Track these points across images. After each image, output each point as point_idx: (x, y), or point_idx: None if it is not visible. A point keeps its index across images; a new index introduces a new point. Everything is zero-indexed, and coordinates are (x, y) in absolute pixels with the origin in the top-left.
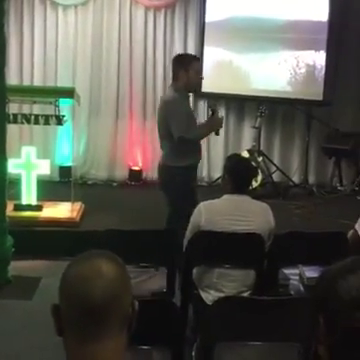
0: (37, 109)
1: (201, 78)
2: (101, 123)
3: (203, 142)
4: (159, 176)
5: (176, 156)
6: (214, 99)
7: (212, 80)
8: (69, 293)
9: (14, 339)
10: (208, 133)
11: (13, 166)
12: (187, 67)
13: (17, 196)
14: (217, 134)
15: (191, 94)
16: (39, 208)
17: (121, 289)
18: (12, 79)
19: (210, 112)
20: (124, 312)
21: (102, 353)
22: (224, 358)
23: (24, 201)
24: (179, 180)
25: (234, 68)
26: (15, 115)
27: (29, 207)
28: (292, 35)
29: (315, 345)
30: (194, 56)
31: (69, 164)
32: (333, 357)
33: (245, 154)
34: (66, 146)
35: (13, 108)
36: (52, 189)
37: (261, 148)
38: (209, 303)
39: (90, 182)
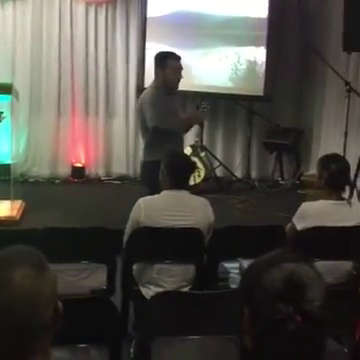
0: None
1: (179, 76)
2: (42, 119)
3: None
4: (140, 172)
5: (153, 150)
6: (201, 97)
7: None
8: None
9: None
10: (186, 124)
11: None
12: (163, 65)
13: None
14: (201, 126)
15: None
16: None
17: (39, 296)
18: None
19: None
20: (47, 318)
21: None
22: (163, 353)
23: None
24: (156, 175)
25: None
26: None
27: None
28: (233, 31)
29: (241, 335)
30: (172, 54)
31: (8, 162)
32: (257, 347)
33: (188, 149)
34: (5, 143)
35: None
36: None
37: (204, 143)
38: (149, 299)
39: (32, 180)
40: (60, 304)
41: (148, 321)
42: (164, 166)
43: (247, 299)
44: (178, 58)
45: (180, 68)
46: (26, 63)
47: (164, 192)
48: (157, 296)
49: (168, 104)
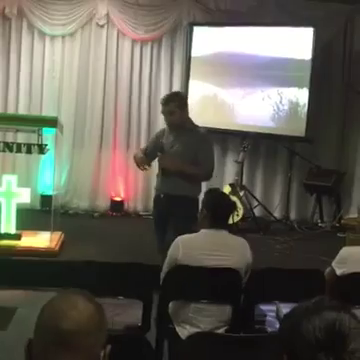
0: (21, 137)
1: (169, 120)
2: (84, 153)
3: None
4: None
5: None
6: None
7: (197, 114)
8: (43, 323)
9: None
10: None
11: None
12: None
13: None
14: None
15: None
16: (18, 237)
17: (93, 327)
18: None
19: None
20: (93, 351)
21: None
22: None
23: (3, 230)
24: None
25: (218, 102)
26: None
27: (8, 236)
28: (276, 72)
29: None
30: (162, 99)
31: (50, 193)
32: None
33: (227, 188)
34: (48, 175)
35: None
36: (33, 218)
37: (243, 182)
38: (184, 338)
39: (71, 212)
40: (109, 347)
41: None
42: (204, 204)
43: (286, 346)
44: (164, 103)
45: (165, 113)
46: (72, 97)
47: (203, 231)
48: (193, 337)
49: (157, 140)
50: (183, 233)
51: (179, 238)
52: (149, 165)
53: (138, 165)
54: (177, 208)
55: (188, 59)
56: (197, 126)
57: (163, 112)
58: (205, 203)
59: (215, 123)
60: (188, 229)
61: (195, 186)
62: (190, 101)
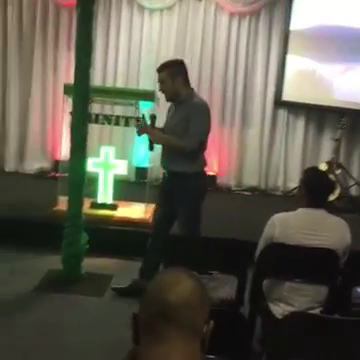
0: (118, 110)
1: (160, 89)
2: None
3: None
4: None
5: None
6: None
7: (293, 89)
8: (148, 296)
9: (81, 334)
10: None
11: (92, 165)
12: None
13: (94, 194)
14: (151, 149)
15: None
16: (114, 207)
17: (196, 302)
18: (96, 80)
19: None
20: (197, 325)
21: (170, 354)
22: None
23: (100, 200)
24: None
25: (316, 78)
26: (97, 115)
27: (105, 206)
28: None
29: None
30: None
31: (145, 165)
32: None
33: (323, 166)
34: (143, 148)
35: (95, 108)
36: (127, 189)
37: (340, 161)
38: (278, 316)
39: None
40: (212, 323)
41: (278, 341)
42: (302, 183)
43: None
44: (157, 71)
45: (158, 82)
46: None
47: (301, 210)
48: (290, 316)
49: (168, 113)
50: (186, 215)
51: (275, 216)
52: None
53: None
54: (177, 186)
55: (286, 33)
56: (194, 97)
57: (157, 80)
58: (304, 181)
59: (312, 99)
60: (190, 209)
61: (193, 161)
62: (287, 76)
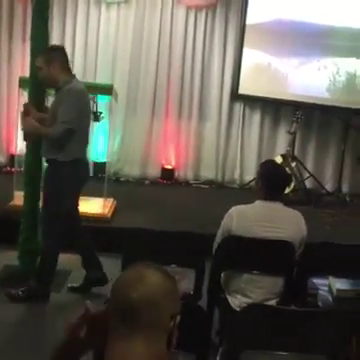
0: None
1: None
2: (137, 121)
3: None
4: None
5: None
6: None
7: (249, 82)
8: (112, 294)
9: (40, 330)
10: None
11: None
12: None
13: None
14: (25, 139)
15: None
16: None
17: (160, 299)
18: None
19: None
20: (161, 321)
21: (131, 352)
22: None
23: None
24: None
25: (272, 71)
26: None
27: None
28: (333, 41)
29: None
30: None
31: (103, 160)
32: None
33: (279, 159)
34: (101, 142)
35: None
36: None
37: (295, 153)
38: (235, 308)
39: (123, 179)
40: (178, 318)
41: (236, 333)
42: (259, 176)
43: (357, 329)
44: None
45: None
46: (125, 65)
47: (258, 202)
48: (247, 308)
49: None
50: (49, 199)
51: (233, 209)
52: None
53: None
54: (49, 173)
55: (243, 27)
56: (70, 84)
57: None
58: (260, 174)
59: (268, 92)
60: (52, 194)
61: (63, 149)
62: (243, 70)
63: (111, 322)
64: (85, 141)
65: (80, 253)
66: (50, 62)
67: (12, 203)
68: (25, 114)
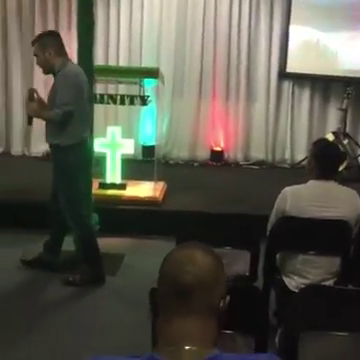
0: (121, 89)
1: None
2: (184, 103)
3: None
4: None
5: None
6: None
7: (297, 60)
8: (163, 275)
9: (97, 313)
10: None
11: (99, 145)
12: None
13: (102, 175)
14: (29, 123)
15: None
16: (123, 187)
17: (211, 279)
18: (98, 59)
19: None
20: (212, 301)
21: (187, 330)
22: (309, 347)
23: (109, 180)
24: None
25: (321, 47)
26: (102, 95)
27: (113, 186)
28: None
29: None
30: None
31: (152, 144)
32: None
33: (330, 136)
34: (149, 126)
35: (99, 88)
36: (135, 168)
37: (347, 130)
38: (292, 289)
39: (172, 162)
40: (228, 298)
41: (295, 314)
42: (311, 155)
43: None
44: (31, 44)
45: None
46: (170, 47)
47: (311, 182)
48: (305, 289)
49: None
50: (59, 187)
51: (287, 189)
52: None
53: None
54: (53, 157)
55: (289, 3)
56: (65, 68)
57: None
58: (313, 153)
59: (317, 69)
60: (59, 181)
61: (63, 133)
62: (291, 47)
63: (162, 300)
64: (86, 123)
65: (53, 231)
66: (45, 48)
67: None
68: (29, 99)
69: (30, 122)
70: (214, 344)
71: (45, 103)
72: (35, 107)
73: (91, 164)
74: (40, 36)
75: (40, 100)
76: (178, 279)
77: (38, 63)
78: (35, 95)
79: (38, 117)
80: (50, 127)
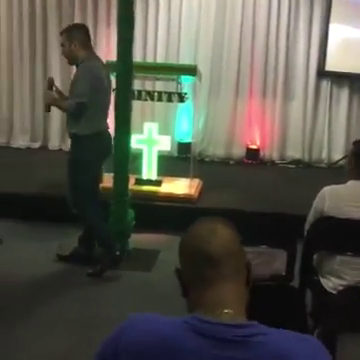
0: (158, 86)
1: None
2: (221, 100)
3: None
4: None
5: None
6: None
7: (336, 58)
8: (188, 251)
9: (131, 309)
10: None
11: (136, 141)
12: None
13: (138, 171)
14: (46, 110)
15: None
16: (159, 183)
17: (235, 248)
18: (136, 56)
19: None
20: (240, 267)
21: (222, 294)
22: (348, 349)
23: (145, 176)
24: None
25: None
26: (139, 92)
27: (150, 182)
28: None
29: None
30: None
31: (188, 141)
32: None
33: None
34: (186, 123)
35: (137, 85)
36: (171, 165)
37: None
38: (329, 290)
39: (207, 159)
40: (251, 264)
41: (333, 315)
42: (352, 155)
43: None
44: (60, 35)
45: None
46: (208, 44)
47: (351, 182)
48: (343, 291)
49: None
50: (70, 172)
51: (325, 189)
52: None
53: None
54: (71, 146)
55: (329, 1)
56: (86, 60)
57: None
58: (353, 153)
59: (357, 68)
60: (72, 167)
61: (78, 123)
62: (330, 45)
63: (193, 275)
64: (104, 115)
65: (85, 226)
66: (72, 40)
67: (102, 185)
68: (48, 87)
69: (48, 109)
70: (246, 311)
71: (62, 93)
72: (52, 95)
73: (106, 157)
74: (69, 27)
75: (58, 90)
76: (205, 250)
77: (63, 53)
78: (53, 87)
79: (54, 105)
80: (68, 117)
